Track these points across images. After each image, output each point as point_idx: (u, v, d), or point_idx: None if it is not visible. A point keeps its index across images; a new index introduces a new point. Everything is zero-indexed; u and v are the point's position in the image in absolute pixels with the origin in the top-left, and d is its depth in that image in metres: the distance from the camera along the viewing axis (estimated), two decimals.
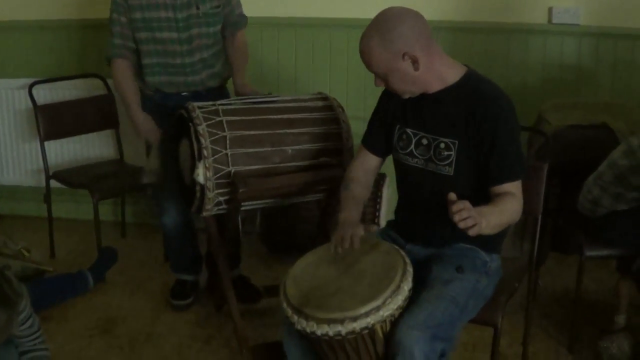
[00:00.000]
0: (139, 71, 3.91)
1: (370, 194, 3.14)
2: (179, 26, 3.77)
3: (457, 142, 2.77)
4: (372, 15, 2.78)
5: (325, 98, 3.61)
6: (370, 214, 4.33)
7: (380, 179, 4.32)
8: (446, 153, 2.79)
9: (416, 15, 2.75)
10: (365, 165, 3.08)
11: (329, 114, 3.52)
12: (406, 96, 2.84)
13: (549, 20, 4.59)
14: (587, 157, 3.68)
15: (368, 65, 2.77)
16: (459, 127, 2.76)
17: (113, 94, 4.84)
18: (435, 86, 2.81)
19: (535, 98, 4.54)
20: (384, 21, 2.71)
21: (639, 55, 4.54)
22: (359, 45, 2.77)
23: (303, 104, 3.55)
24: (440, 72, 2.80)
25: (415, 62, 2.71)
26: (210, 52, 3.89)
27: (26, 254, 4.38)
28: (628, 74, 4.58)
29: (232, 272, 4.07)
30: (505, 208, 2.69)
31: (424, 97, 2.84)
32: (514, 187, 2.74)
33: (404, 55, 2.69)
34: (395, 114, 2.94)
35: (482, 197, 2.72)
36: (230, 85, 4.06)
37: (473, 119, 2.73)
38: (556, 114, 4.24)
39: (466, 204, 2.45)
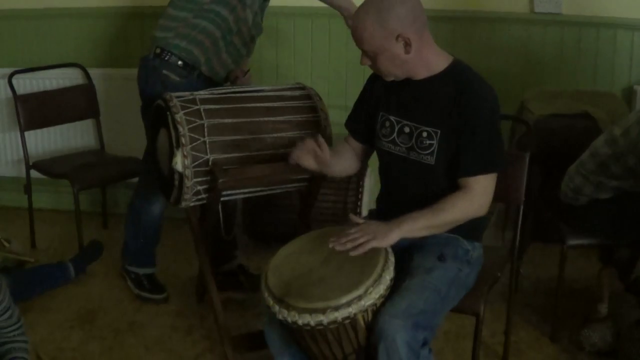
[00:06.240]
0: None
1: (355, 171, 3.18)
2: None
3: (439, 131, 2.76)
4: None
5: (302, 87, 3.59)
6: (352, 203, 4.32)
7: (362, 169, 4.31)
8: (428, 142, 2.78)
9: None
10: (353, 145, 3.10)
11: (307, 103, 3.50)
12: (390, 79, 2.83)
13: (532, 10, 4.59)
14: (569, 146, 3.69)
15: (359, 41, 2.75)
16: (442, 116, 2.76)
17: (93, 84, 4.83)
18: (421, 73, 2.80)
19: (518, 87, 4.55)
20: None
21: (621, 44, 4.54)
22: (352, 21, 2.76)
23: (281, 92, 3.53)
24: (428, 60, 2.79)
25: (407, 45, 2.70)
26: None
27: (6, 244, 4.36)
28: (610, 62, 4.58)
29: (230, 263, 4.10)
30: (442, 207, 2.72)
31: (409, 84, 2.83)
32: (476, 182, 2.73)
33: (398, 36, 2.68)
34: (380, 100, 2.93)
35: None
36: None
37: (456, 109, 2.73)
38: (538, 103, 4.25)
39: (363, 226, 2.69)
